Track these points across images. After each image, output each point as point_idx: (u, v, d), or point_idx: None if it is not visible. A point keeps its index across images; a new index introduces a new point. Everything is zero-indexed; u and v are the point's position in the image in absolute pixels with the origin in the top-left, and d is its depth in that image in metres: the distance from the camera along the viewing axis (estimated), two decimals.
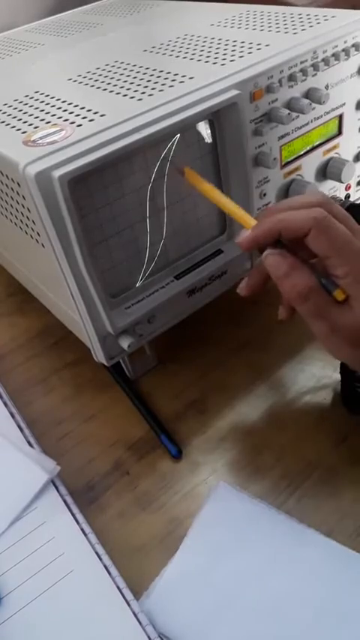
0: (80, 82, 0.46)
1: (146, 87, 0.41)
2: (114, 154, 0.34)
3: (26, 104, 0.44)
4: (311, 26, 0.46)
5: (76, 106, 0.41)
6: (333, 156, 0.49)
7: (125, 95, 0.41)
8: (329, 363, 0.47)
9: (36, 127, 0.39)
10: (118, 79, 0.44)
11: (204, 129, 0.40)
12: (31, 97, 0.45)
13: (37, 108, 0.43)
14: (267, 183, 0.45)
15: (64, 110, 0.41)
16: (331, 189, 0.51)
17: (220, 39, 0.48)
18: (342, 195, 0.52)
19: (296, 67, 0.42)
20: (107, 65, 0.48)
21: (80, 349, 0.48)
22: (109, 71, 0.47)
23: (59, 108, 0.41)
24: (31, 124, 0.40)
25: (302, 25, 0.47)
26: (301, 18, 0.49)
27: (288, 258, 0.33)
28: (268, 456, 0.41)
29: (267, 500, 0.38)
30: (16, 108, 0.44)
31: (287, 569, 0.35)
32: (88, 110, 0.40)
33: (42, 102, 0.44)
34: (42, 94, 0.45)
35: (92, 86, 0.44)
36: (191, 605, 0.34)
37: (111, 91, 0.42)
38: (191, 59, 0.45)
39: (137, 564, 0.36)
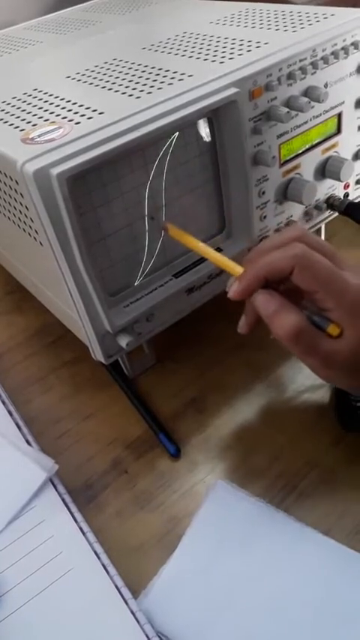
0: (79, 80, 0.46)
1: (145, 85, 0.41)
2: (112, 151, 0.34)
3: (24, 102, 0.44)
4: (310, 24, 0.46)
5: (74, 103, 0.41)
6: (332, 154, 0.49)
7: (124, 93, 0.41)
8: None
9: (34, 125, 0.39)
10: (117, 77, 0.44)
11: (203, 127, 0.40)
12: (30, 95, 0.45)
13: (35, 105, 0.43)
14: (266, 181, 0.45)
15: (63, 108, 0.41)
16: (330, 187, 0.51)
17: (219, 37, 0.48)
18: (341, 193, 0.52)
19: (295, 65, 0.42)
20: (106, 63, 0.48)
21: (79, 348, 0.48)
22: (108, 69, 0.46)
23: (57, 105, 0.41)
24: (29, 122, 0.40)
25: (301, 23, 0.47)
26: (300, 16, 0.49)
27: (276, 298, 0.33)
28: (267, 455, 0.41)
29: (265, 499, 0.38)
30: (14, 105, 0.44)
31: (285, 568, 0.35)
32: (87, 108, 0.39)
33: (40, 99, 0.44)
34: (40, 91, 0.45)
35: (91, 84, 0.44)
36: (189, 603, 0.34)
37: (110, 89, 0.42)
38: (190, 57, 0.45)
39: (135, 563, 0.36)
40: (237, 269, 0.36)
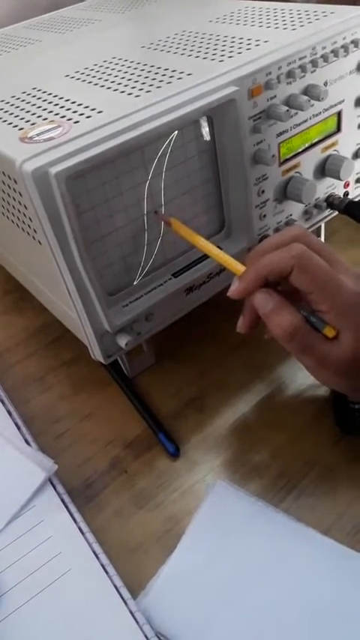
0: (78, 79, 0.46)
1: (144, 83, 0.41)
2: (111, 150, 0.34)
3: (23, 100, 0.44)
4: (310, 22, 0.46)
5: (73, 102, 0.41)
6: (332, 153, 0.49)
7: (123, 92, 0.41)
8: None
9: (33, 124, 0.39)
10: (116, 76, 0.44)
11: (202, 126, 0.40)
12: (28, 94, 0.45)
13: (34, 104, 0.42)
14: (265, 180, 0.45)
15: (62, 107, 0.40)
16: (330, 186, 0.51)
17: (218, 35, 0.48)
18: (340, 192, 0.52)
19: (295, 63, 0.42)
20: (105, 61, 0.48)
21: (78, 347, 0.48)
22: (107, 67, 0.46)
23: (56, 104, 0.41)
24: (28, 121, 0.40)
25: (301, 22, 0.47)
26: (299, 14, 0.49)
27: (274, 297, 0.34)
28: (266, 454, 0.41)
29: (265, 499, 0.38)
30: (13, 104, 0.44)
31: (285, 568, 0.34)
32: (86, 107, 0.39)
33: (39, 98, 0.43)
34: (39, 90, 0.45)
35: (90, 82, 0.44)
36: (189, 603, 0.34)
37: (109, 88, 0.42)
38: (189, 55, 0.45)
39: (135, 563, 0.36)
40: (239, 267, 0.36)
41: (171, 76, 0.41)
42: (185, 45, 0.48)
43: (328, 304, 0.33)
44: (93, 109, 0.39)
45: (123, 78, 0.43)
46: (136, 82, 0.42)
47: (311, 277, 0.32)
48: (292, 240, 0.34)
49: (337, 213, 0.52)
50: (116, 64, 0.47)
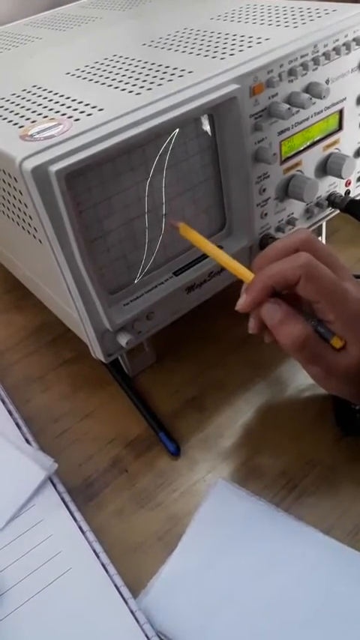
0: (78, 76, 0.45)
1: (145, 81, 0.41)
2: (112, 148, 0.34)
3: (23, 98, 0.44)
4: (312, 20, 0.46)
5: (73, 100, 0.41)
6: (333, 151, 0.49)
7: (124, 89, 0.41)
8: None
9: (33, 122, 0.38)
10: (117, 73, 0.44)
11: (204, 124, 0.40)
12: (29, 92, 0.45)
13: (34, 102, 0.42)
14: (267, 178, 0.45)
15: (62, 104, 0.40)
16: (331, 184, 0.51)
17: (219, 33, 0.48)
18: (342, 191, 0.52)
19: (296, 61, 0.42)
20: (106, 59, 0.48)
21: (78, 346, 0.48)
22: (108, 65, 0.46)
23: (57, 102, 0.41)
24: (28, 119, 0.39)
25: (303, 19, 0.46)
26: (301, 11, 0.48)
27: (282, 307, 0.33)
28: (267, 454, 0.41)
29: (266, 498, 0.38)
30: (13, 102, 0.43)
31: (286, 567, 0.34)
32: (86, 104, 0.39)
33: (39, 96, 0.43)
34: (39, 88, 0.45)
35: (90, 80, 0.44)
36: (189, 603, 0.34)
37: (109, 85, 0.42)
38: (190, 53, 0.45)
39: (135, 562, 0.36)
40: (247, 274, 0.36)
41: (172, 74, 0.41)
42: (186, 42, 0.47)
43: (335, 314, 0.32)
44: (93, 107, 0.38)
45: (124, 75, 0.43)
46: (137, 79, 0.42)
47: (318, 287, 0.32)
48: (298, 246, 0.33)
49: (338, 211, 0.52)
50: (117, 61, 0.47)
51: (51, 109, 0.40)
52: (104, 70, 0.45)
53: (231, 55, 0.42)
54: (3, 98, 0.45)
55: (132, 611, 0.33)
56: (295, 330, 0.33)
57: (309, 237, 0.34)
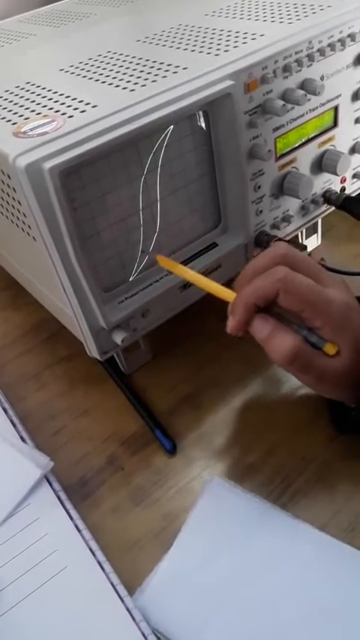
0: (72, 73, 0.45)
1: (139, 77, 0.41)
2: (106, 145, 0.34)
3: (17, 95, 0.43)
4: (306, 16, 0.46)
5: (67, 96, 0.40)
6: (328, 148, 0.49)
7: (118, 86, 0.40)
8: None
9: (26, 118, 0.38)
10: (111, 70, 0.44)
11: (199, 120, 0.40)
12: (22, 88, 0.44)
13: (27, 99, 0.42)
14: (261, 175, 0.44)
15: (56, 101, 0.40)
16: (327, 181, 0.51)
17: (214, 29, 0.48)
18: (337, 187, 0.52)
19: (291, 57, 0.41)
20: (100, 55, 0.47)
21: (74, 344, 0.47)
22: (102, 62, 0.46)
23: (50, 99, 0.41)
24: (21, 115, 0.39)
25: (297, 15, 0.46)
26: (296, 7, 0.48)
27: (270, 322, 0.33)
28: (263, 451, 0.41)
29: (261, 495, 0.38)
30: (6, 99, 0.43)
31: (282, 564, 0.34)
32: (80, 101, 0.39)
33: (33, 92, 0.43)
34: (33, 84, 0.45)
35: (84, 77, 0.44)
36: (185, 600, 0.34)
37: (103, 82, 0.42)
38: (185, 49, 0.45)
39: (131, 560, 0.36)
40: (230, 295, 0.35)
41: (166, 70, 0.41)
42: (181, 39, 0.47)
43: (322, 319, 0.33)
44: (87, 104, 0.38)
45: (118, 72, 0.43)
46: (131, 76, 0.41)
47: (299, 297, 0.32)
48: (275, 261, 0.33)
49: (333, 208, 0.52)
50: (111, 58, 0.46)
51: (44, 106, 0.40)
52: (98, 67, 0.45)
53: (225, 51, 0.42)
54: None
55: (128, 609, 0.33)
56: (283, 342, 0.32)
57: (286, 251, 0.34)
